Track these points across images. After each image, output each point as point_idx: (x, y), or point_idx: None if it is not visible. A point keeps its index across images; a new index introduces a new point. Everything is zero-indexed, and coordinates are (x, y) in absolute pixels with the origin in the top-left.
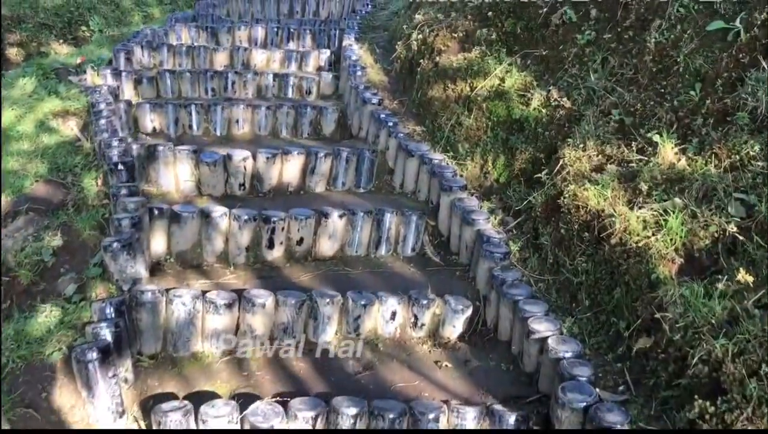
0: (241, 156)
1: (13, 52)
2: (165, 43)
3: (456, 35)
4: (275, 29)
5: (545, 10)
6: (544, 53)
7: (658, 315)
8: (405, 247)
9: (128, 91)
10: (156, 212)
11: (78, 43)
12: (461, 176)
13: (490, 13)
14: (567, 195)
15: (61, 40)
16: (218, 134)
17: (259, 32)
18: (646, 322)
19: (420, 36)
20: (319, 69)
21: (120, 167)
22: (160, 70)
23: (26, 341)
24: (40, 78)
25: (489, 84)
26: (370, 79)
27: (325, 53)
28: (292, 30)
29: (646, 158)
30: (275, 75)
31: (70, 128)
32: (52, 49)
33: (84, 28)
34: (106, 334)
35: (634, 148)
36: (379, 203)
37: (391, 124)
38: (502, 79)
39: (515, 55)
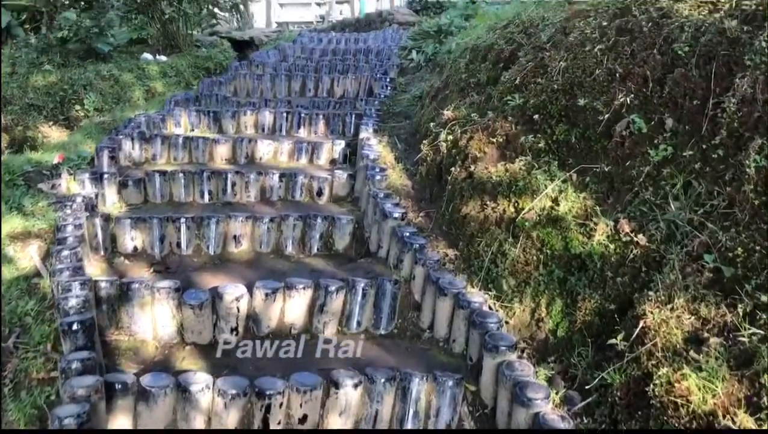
0: (233, 295)
1: None
2: (159, 134)
3: (494, 140)
4: (284, 114)
5: (606, 116)
6: (606, 169)
7: None
8: (438, 422)
9: (111, 197)
10: (118, 387)
11: (70, 124)
12: (507, 322)
13: (536, 116)
14: (658, 382)
15: (51, 123)
16: (212, 252)
17: (267, 117)
18: None
19: (450, 137)
20: (333, 162)
21: (75, 327)
22: (149, 172)
23: None
24: (5, 186)
25: (539, 206)
26: (391, 184)
27: (339, 144)
28: (303, 115)
29: (761, 332)
30: (282, 174)
31: (30, 257)
32: (40, 132)
33: (78, 107)
34: None
35: (740, 311)
36: (404, 354)
37: (417, 246)
38: (555, 201)
39: (570, 170)
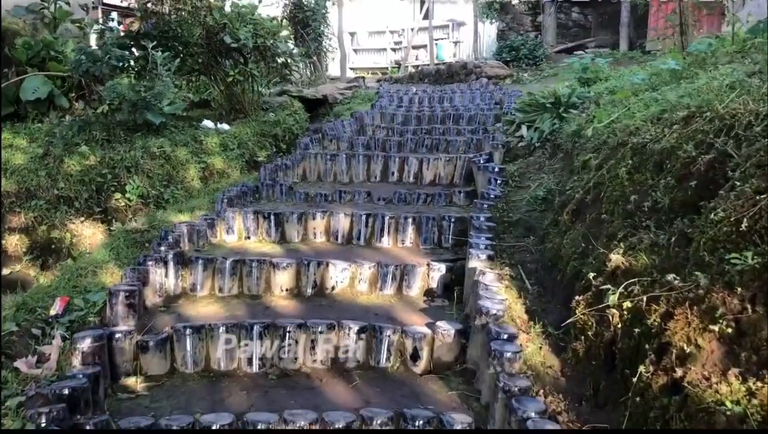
0: None
1: (12, 242)
2: (201, 256)
3: (714, 328)
4: (363, 217)
5: None
6: None
7: None
8: None
9: (123, 367)
10: None
11: (108, 216)
12: None
13: None
14: None
15: (83, 217)
16: None
17: (341, 222)
18: None
19: (627, 304)
20: (429, 294)
21: None
22: (177, 328)
23: None
24: None
25: None
26: (527, 362)
27: (438, 270)
28: (387, 219)
29: None
30: (361, 329)
31: None
32: (67, 231)
33: (118, 195)
34: None
35: None
36: None
37: None
38: None
39: None
